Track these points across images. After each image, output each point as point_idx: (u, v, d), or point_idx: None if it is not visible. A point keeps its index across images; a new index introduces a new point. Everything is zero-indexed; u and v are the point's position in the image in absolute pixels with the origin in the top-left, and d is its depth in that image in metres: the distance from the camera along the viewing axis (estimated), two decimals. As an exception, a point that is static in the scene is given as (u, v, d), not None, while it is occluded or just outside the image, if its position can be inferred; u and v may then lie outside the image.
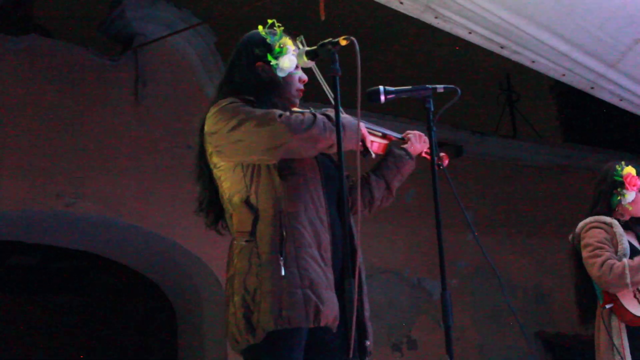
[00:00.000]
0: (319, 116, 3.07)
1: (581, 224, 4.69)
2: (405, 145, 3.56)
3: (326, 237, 3.11)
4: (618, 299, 4.43)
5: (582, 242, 4.58)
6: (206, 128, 3.19)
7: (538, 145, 10.03)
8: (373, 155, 3.38)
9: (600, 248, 4.46)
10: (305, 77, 3.37)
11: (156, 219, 7.03)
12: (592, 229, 4.59)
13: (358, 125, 2.98)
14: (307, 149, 3.07)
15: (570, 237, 4.77)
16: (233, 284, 3.08)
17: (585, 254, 4.53)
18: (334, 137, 2.96)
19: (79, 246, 8.15)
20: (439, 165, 3.29)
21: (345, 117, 3.06)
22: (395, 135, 3.55)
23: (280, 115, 3.02)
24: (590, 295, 4.67)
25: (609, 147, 10.16)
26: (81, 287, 12.03)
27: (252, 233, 3.06)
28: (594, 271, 4.43)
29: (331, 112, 3.02)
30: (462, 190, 7.34)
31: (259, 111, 3.07)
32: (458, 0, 5.31)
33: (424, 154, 3.57)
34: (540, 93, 11.50)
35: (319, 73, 3.26)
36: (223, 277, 3.25)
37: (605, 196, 4.71)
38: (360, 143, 3.17)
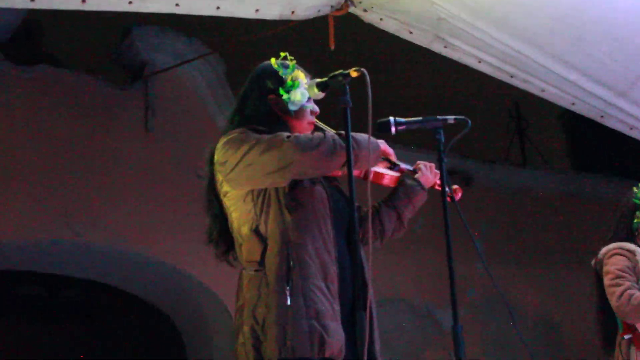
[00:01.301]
0: (329, 134, 3.07)
1: (604, 250, 4.61)
2: (417, 176, 3.55)
3: (333, 269, 3.10)
4: (637, 330, 4.37)
5: (604, 269, 4.52)
6: (216, 158, 3.19)
7: (547, 173, 10.01)
8: (401, 165, 3.36)
9: (621, 277, 4.40)
10: (316, 109, 3.37)
11: (165, 248, 7.02)
12: (614, 255, 4.52)
13: (376, 142, 2.97)
14: (317, 168, 3.06)
15: (592, 262, 4.70)
16: (242, 314, 3.08)
17: (606, 281, 4.47)
18: (345, 155, 2.96)
19: (87, 275, 8.14)
20: (451, 198, 3.28)
21: (360, 135, 3.05)
22: (407, 167, 3.54)
23: (289, 137, 3.02)
24: (611, 323, 4.58)
25: (618, 175, 10.13)
26: (89, 317, 12.00)
27: (261, 263, 3.06)
28: (613, 300, 4.38)
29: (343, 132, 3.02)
30: (471, 219, 7.28)
31: (266, 136, 3.07)
32: (467, 29, 5.33)
33: (437, 187, 3.56)
34: (549, 121, 11.48)
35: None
36: (232, 307, 3.24)
37: (625, 220, 4.66)
38: (386, 161, 3.18)
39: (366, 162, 3.08)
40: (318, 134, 3.10)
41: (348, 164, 2.87)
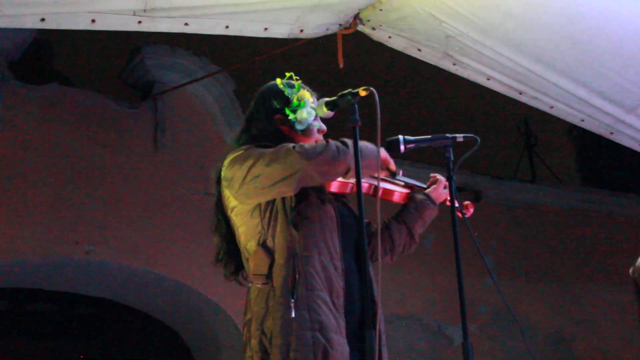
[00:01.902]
0: (332, 141, 3.08)
1: None
2: (428, 191, 3.56)
3: (339, 284, 3.10)
4: None
5: None
6: (223, 175, 3.22)
7: (557, 189, 9.99)
8: (400, 173, 3.37)
9: None
10: (324, 128, 3.39)
11: (174, 265, 7.03)
12: None
13: (377, 149, 2.98)
14: (323, 174, 3.07)
15: (630, 270, 4.62)
16: (250, 327, 3.10)
17: None
18: (348, 159, 2.98)
19: (97, 293, 8.16)
20: (462, 214, 3.28)
21: (364, 143, 3.06)
22: (417, 184, 3.55)
23: (294, 146, 3.04)
24: None
25: (628, 191, 10.11)
26: (99, 333, 12.02)
27: (269, 276, 3.08)
28: None
29: (347, 139, 3.04)
30: (481, 235, 7.28)
31: (271, 149, 3.10)
32: (476, 46, 5.34)
33: (447, 202, 3.57)
34: (559, 137, 11.48)
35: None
36: (241, 323, 3.25)
37: None
38: (386, 171, 3.18)
39: (368, 169, 3.08)
40: (321, 141, 3.14)
41: (357, 179, 2.88)
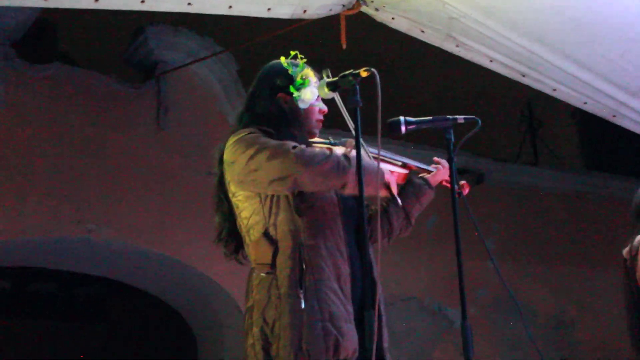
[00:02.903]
0: (335, 154, 3.06)
1: (639, 237, 4.45)
2: (426, 175, 3.56)
3: (345, 270, 3.10)
4: None
5: None
6: (225, 157, 3.21)
7: (560, 172, 9.98)
8: (399, 202, 3.35)
9: None
10: (325, 108, 3.39)
11: (177, 245, 7.04)
12: None
13: (379, 171, 2.97)
14: (317, 184, 3.05)
15: (625, 251, 4.52)
16: (252, 315, 3.09)
17: None
18: (346, 177, 2.97)
19: (99, 272, 8.17)
20: (459, 194, 3.29)
21: (367, 160, 3.05)
22: (415, 164, 3.55)
23: (295, 147, 3.02)
24: None
25: (631, 175, 10.10)
26: (101, 314, 12.05)
27: (272, 265, 3.07)
28: None
29: (352, 149, 3.02)
30: (483, 217, 7.28)
31: (274, 142, 3.08)
32: (479, 28, 5.33)
33: (444, 183, 3.57)
34: (562, 120, 11.46)
35: (341, 102, 3.26)
36: (243, 305, 3.25)
37: None
38: (387, 190, 3.17)
39: (372, 189, 3.03)
40: (324, 150, 3.10)
41: (358, 173, 2.86)
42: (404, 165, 3.50)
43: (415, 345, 8.31)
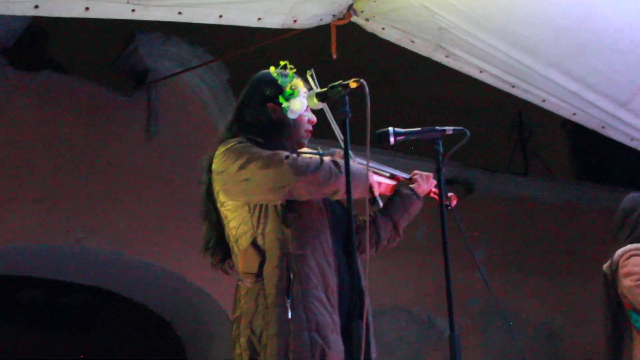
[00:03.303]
0: (326, 162, 3.08)
1: (619, 251, 4.42)
2: (412, 186, 3.57)
3: (333, 280, 3.11)
4: None
5: (623, 271, 4.33)
6: (214, 166, 3.21)
7: (550, 182, 9.99)
8: (380, 204, 3.37)
9: None
10: (314, 118, 3.39)
11: (166, 254, 7.03)
12: (633, 256, 4.34)
13: (367, 173, 2.99)
14: (311, 193, 3.07)
15: (605, 266, 4.49)
16: (239, 325, 3.09)
17: (628, 282, 4.28)
18: (338, 183, 2.99)
19: (89, 281, 8.15)
20: (447, 206, 3.29)
21: (353, 165, 3.06)
22: (403, 175, 3.56)
23: (287, 157, 3.03)
24: (623, 330, 4.39)
25: (621, 185, 10.11)
26: (90, 322, 12.00)
27: (259, 274, 3.07)
28: None
29: (340, 159, 3.03)
30: (472, 228, 7.29)
31: (266, 152, 3.08)
32: (469, 39, 5.35)
33: (432, 194, 3.58)
34: (552, 130, 11.47)
35: (330, 113, 3.27)
36: (232, 315, 3.25)
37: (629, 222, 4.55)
38: (369, 192, 3.17)
39: (360, 191, 3.05)
40: (315, 159, 3.11)
41: (347, 181, 2.87)
42: (392, 177, 3.51)
43: (405, 355, 8.30)
